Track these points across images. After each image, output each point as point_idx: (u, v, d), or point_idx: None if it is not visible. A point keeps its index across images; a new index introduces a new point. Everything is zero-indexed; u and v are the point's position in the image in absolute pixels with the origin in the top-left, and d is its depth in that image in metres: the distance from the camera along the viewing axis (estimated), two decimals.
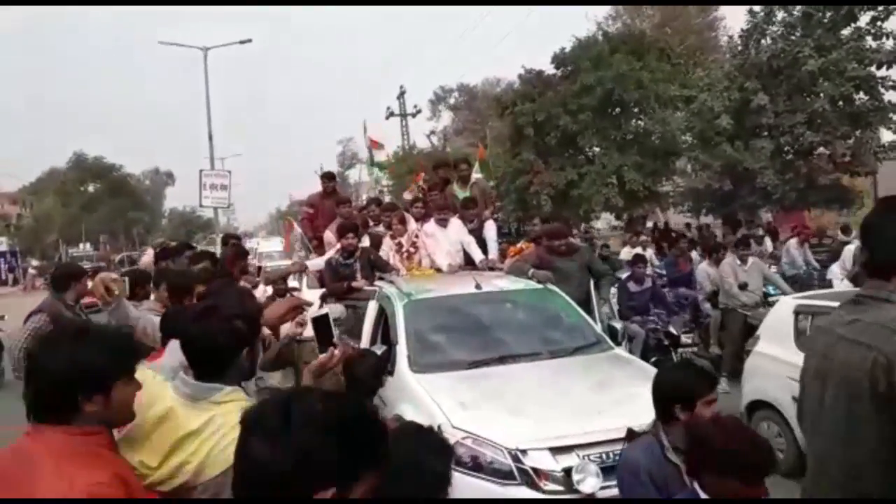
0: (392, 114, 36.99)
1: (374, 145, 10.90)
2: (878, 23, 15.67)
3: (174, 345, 2.23)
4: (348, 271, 6.19)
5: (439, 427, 3.56)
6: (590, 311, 5.64)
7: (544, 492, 3.44)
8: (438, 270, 6.54)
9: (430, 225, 6.86)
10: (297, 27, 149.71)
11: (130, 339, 1.88)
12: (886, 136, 17.00)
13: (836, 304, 4.88)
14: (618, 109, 20.45)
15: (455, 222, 6.85)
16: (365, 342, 5.34)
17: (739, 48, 18.41)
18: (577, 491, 3.39)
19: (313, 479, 1.17)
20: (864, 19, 15.96)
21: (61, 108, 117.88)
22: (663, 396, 2.56)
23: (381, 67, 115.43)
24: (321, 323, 2.71)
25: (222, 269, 5.04)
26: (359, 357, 3.51)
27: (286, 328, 4.86)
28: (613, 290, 7.50)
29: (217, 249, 10.01)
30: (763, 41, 17.46)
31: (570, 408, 3.91)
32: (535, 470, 3.47)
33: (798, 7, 16.82)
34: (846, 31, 16.27)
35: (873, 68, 15.78)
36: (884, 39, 15.64)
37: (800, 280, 10.12)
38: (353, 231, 6.32)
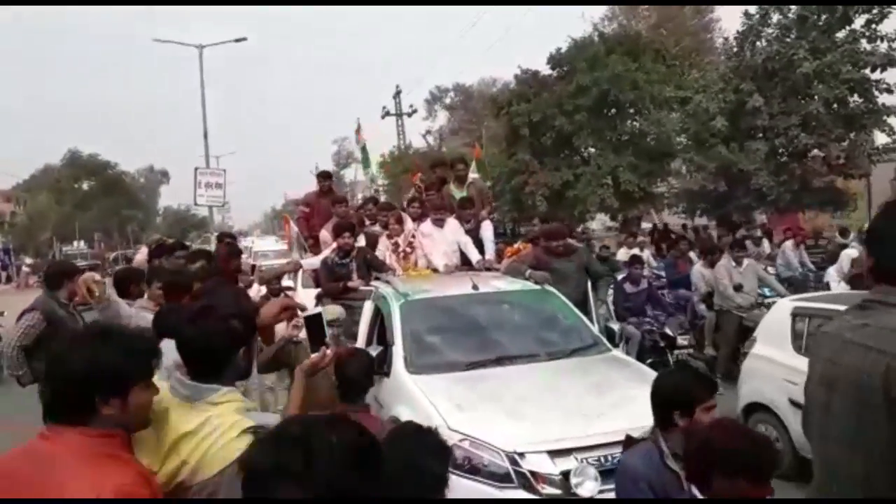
0: (388, 113, 36.89)
1: (359, 137, 10.81)
2: (873, 26, 15.72)
3: (168, 344, 2.21)
4: (344, 271, 6.15)
5: (436, 429, 3.55)
6: (587, 313, 5.61)
7: (542, 495, 3.42)
8: (435, 271, 6.51)
9: (427, 225, 6.83)
10: (292, 26, 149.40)
11: (151, 343, 1.86)
12: (880, 138, 17.06)
13: (833, 306, 4.93)
14: (613, 110, 20.49)
15: (452, 222, 6.83)
16: (360, 343, 5.31)
17: (735, 50, 18.44)
18: (575, 495, 3.36)
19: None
20: (858, 22, 16.02)
21: (56, 106, 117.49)
22: (661, 402, 2.54)
23: (377, 67, 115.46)
24: (314, 322, 2.71)
25: (216, 267, 5.00)
26: (350, 356, 3.48)
27: (281, 328, 4.83)
28: (610, 291, 7.49)
29: (212, 248, 9.95)
30: (758, 43, 17.50)
31: (569, 410, 3.88)
32: (533, 473, 3.44)
33: (793, 10, 16.86)
34: (841, 34, 16.32)
35: (867, 71, 15.83)
36: (878, 42, 15.69)
37: (795, 282, 10.13)
38: (349, 230, 6.28)
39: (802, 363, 4.95)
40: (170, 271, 4.41)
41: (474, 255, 6.62)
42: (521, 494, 3.43)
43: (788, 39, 16.83)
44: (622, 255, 11.30)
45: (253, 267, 11.52)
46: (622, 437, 2.75)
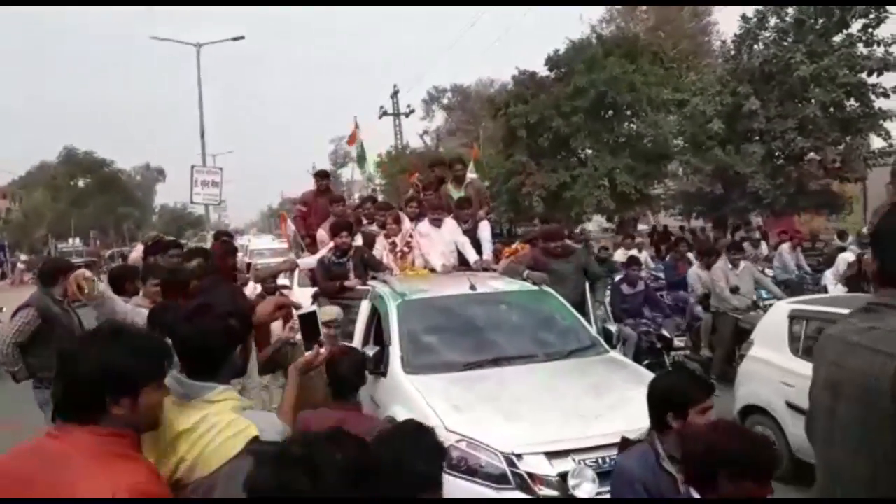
0: (385, 113, 36.84)
1: (351, 141, 10.78)
2: (870, 30, 15.76)
3: None
4: (341, 270, 6.13)
5: (433, 429, 3.54)
6: (585, 314, 5.61)
7: (539, 497, 3.40)
8: (432, 271, 6.50)
9: (425, 225, 6.82)
10: (291, 26, 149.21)
11: (164, 344, 1.85)
12: (876, 142, 17.10)
13: (831, 309, 4.92)
14: (610, 112, 20.51)
15: (449, 222, 6.81)
16: (357, 342, 5.29)
17: (732, 53, 18.48)
18: (572, 496, 3.35)
19: None
20: (855, 26, 16.05)
21: (53, 103, 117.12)
22: (656, 404, 2.52)
23: (374, 67, 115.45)
24: (308, 321, 2.72)
25: (213, 265, 4.98)
26: (342, 355, 3.47)
27: (276, 326, 4.82)
28: (608, 292, 7.49)
29: (209, 246, 9.91)
30: (755, 46, 17.53)
31: (566, 411, 3.87)
32: (530, 474, 3.43)
33: (790, 13, 16.90)
34: (838, 38, 16.37)
35: (864, 75, 15.88)
36: (875, 47, 15.74)
37: (791, 285, 10.15)
38: (346, 229, 6.26)
39: (799, 366, 5.02)
40: (167, 269, 4.38)
41: (472, 256, 6.61)
42: (518, 496, 3.42)
43: (785, 43, 16.87)
44: (619, 256, 11.30)
45: (248, 265, 11.49)
46: (620, 439, 2.74)
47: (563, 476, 3.39)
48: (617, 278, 8.53)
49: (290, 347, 3.65)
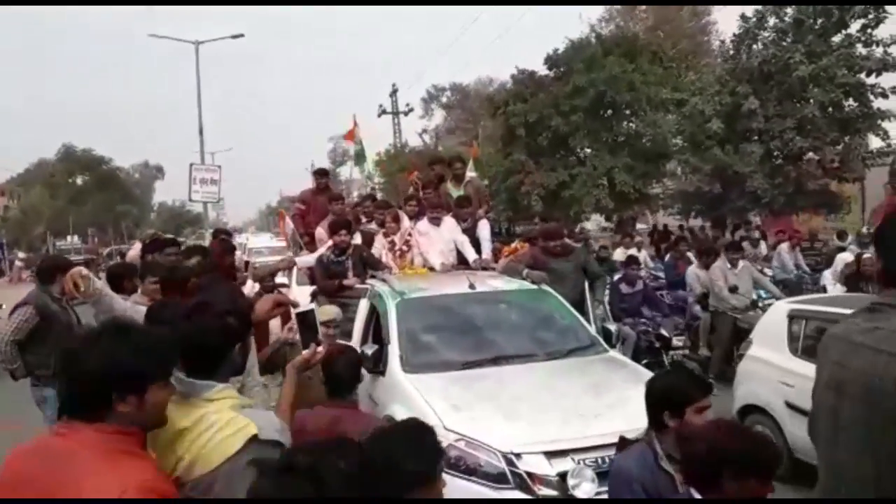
0: (384, 111, 36.82)
1: (350, 137, 10.74)
2: (869, 30, 15.78)
3: None
4: (340, 269, 6.12)
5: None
6: (584, 313, 5.60)
7: (538, 496, 3.39)
8: (431, 269, 6.49)
9: (424, 223, 6.81)
10: (290, 25, 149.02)
11: (171, 342, 1.84)
12: (875, 142, 17.12)
13: (830, 308, 4.92)
14: (609, 111, 20.48)
15: (449, 221, 6.80)
16: (356, 341, 5.28)
17: (731, 53, 18.48)
18: (572, 496, 3.34)
19: None
20: (854, 27, 16.07)
21: (51, 100, 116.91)
22: (653, 403, 2.52)
23: (374, 66, 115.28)
24: (306, 319, 2.73)
25: (212, 263, 4.97)
26: (337, 353, 3.47)
27: (275, 325, 4.79)
28: (607, 291, 7.49)
29: (207, 244, 9.90)
30: (755, 46, 17.54)
31: (566, 411, 3.86)
32: (529, 474, 3.42)
33: (789, 13, 16.90)
34: (837, 38, 16.38)
35: (863, 75, 15.89)
36: (873, 47, 15.76)
37: (790, 284, 10.15)
38: (345, 228, 6.25)
39: (799, 366, 5.02)
40: (167, 267, 4.37)
41: (471, 255, 6.61)
42: (518, 496, 3.41)
43: (785, 43, 16.88)
44: (619, 255, 11.30)
45: (246, 263, 11.49)
46: (618, 439, 2.73)
47: (563, 476, 3.39)
48: (615, 278, 8.53)
49: (288, 347, 3.64)
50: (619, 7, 31.86)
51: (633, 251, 11.36)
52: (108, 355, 1.58)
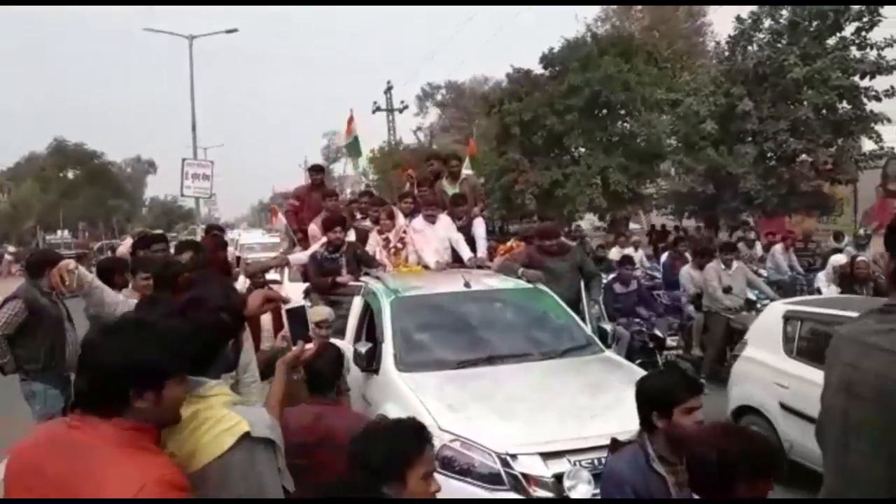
0: (378, 108, 36.75)
1: (348, 131, 10.70)
2: (863, 33, 15.82)
3: None
4: (333, 266, 6.08)
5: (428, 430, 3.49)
6: (580, 312, 5.58)
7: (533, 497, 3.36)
8: (426, 267, 6.45)
9: (419, 221, 6.77)
10: (285, 22, 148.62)
11: (188, 337, 1.82)
12: (868, 145, 17.17)
13: (825, 310, 4.91)
14: (604, 111, 20.52)
15: (444, 219, 6.77)
16: (349, 339, 5.25)
17: (726, 54, 18.49)
18: (567, 498, 3.31)
19: None
20: (848, 30, 16.11)
21: (42, 94, 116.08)
22: (641, 404, 2.49)
23: (368, 63, 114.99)
24: (296, 316, 2.74)
25: (205, 258, 4.93)
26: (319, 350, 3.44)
27: (266, 320, 4.75)
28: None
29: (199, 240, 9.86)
30: (749, 48, 17.56)
31: (562, 411, 3.83)
32: (525, 475, 3.38)
33: (785, 15, 16.93)
34: (831, 41, 16.41)
35: (857, 78, 15.93)
36: (868, 50, 15.79)
37: (784, 285, 10.17)
38: (339, 224, 6.20)
39: (794, 367, 5.01)
40: (160, 262, 4.34)
41: (466, 253, 6.57)
42: (512, 497, 3.38)
43: (779, 45, 16.90)
44: (615, 254, 11.29)
45: (238, 259, 11.44)
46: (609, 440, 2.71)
47: (559, 477, 3.35)
48: (609, 277, 8.52)
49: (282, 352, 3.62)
50: (615, 7, 31.89)
51: (629, 250, 11.36)
52: (127, 350, 1.56)
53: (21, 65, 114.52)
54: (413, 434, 2.02)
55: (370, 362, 4.59)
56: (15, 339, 5.10)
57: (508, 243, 7.26)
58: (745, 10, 17.74)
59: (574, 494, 3.29)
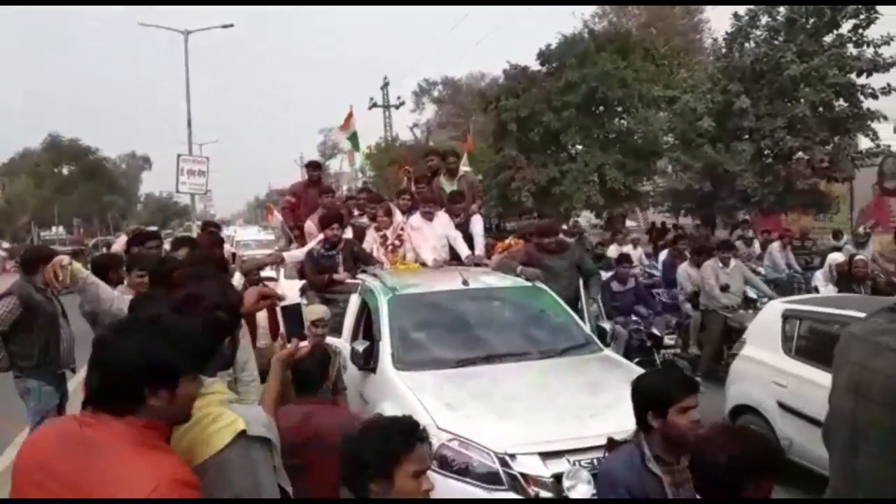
0: (375, 104, 36.66)
1: (346, 126, 10.65)
2: (860, 31, 15.83)
3: None
4: (330, 263, 6.05)
5: (424, 429, 3.46)
6: (578, 311, 5.56)
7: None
8: (423, 265, 6.42)
9: (416, 218, 6.74)
10: (280, 18, 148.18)
11: (201, 334, 1.82)
12: (864, 143, 17.19)
13: (825, 309, 4.89)
14: (601, 108, 20.47)
15: (442, 216, 6.74)
16: (346, 337, 5.22)
17: (723, 51, 18.48)
18: (567, 498, 3.29)
19: None
20: (845, 27, 16.11)
21: (37, 89, 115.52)
22: (637, 403, 2.47)
23: (364, 59, 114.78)
24: (292, 313, 2.75)
25: (201, 254, 4.89)
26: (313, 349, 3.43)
27: (261, 317, 4.70)
28: None
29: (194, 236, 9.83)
30: (747, 45, 17.54)
31: (561, 411, 3.81)
32: (524, 475, 3.36)
33: (782, 12, 16.93)
34: (828, 39, 16.42)
35: (853, 76, 15.94)
36: (864, 47, 15.80)
37: (781, 284, 10.16)
38: (337, 221, 6.17)
39: (792, 366, 5.00)
40: (157, 259, 4.31)
41: (464, 251, 6.55)
42: (511, 496, 3.35)
43: (776, 42, 16.90)
44: (613, 252, 11.27)
45: (233, 255, 11.40)
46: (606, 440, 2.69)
47: (558, 477, 3.33)
48: (607, 276, 8.50)
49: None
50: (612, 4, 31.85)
51: (628, 248, 11.35)
52: (141, 348, 1.55)
53: (15, 60, 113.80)
54: (403, 432, 2.01)
55: (367, 361, 4.56)
56: (9, 336, 5.08)
57: (507, 241, 7.24)
58: (742, 8, 17.76)
59: (573, 494, 3.26)
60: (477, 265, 6.29)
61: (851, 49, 16.03)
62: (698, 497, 2.08)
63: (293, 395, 3.28)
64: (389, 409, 3.86)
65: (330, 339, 4.66)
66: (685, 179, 18.84)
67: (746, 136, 17.23)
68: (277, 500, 2.00)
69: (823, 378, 4.35)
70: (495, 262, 6.27)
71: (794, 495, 4.33)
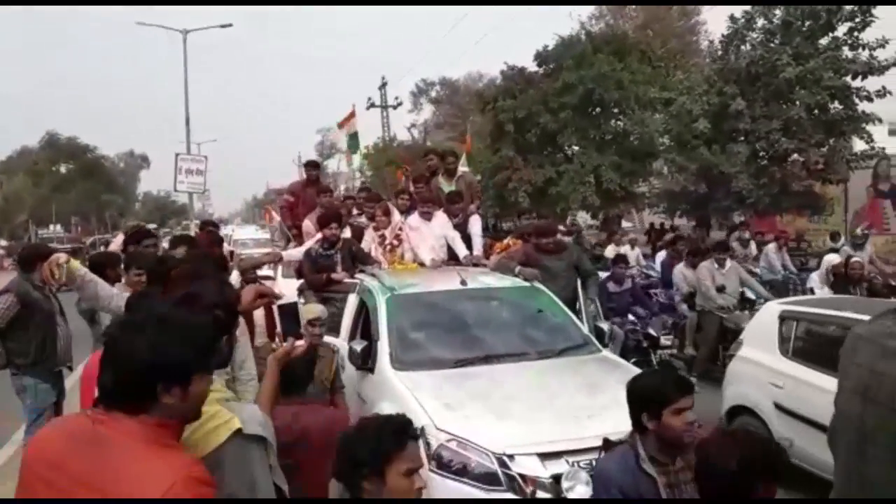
0: (373, 104, 36.59)
1: (346, 124, 10.65)
2: (855, 34, 15.88)
3: None
4: (328, 262, 6.04)
5: (422, 429, 3.47)
6: (576, 311, 5.56)
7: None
8: (421, 265, 6.42)
9: (414, 218, 6.74)
10: (279, 17, 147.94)
11: (211, 331, 1.81)
12: (859, 145, 17.24)
13: (822, 310, 4.90)
14: (598, 109, 20.50)
15: (440, 216, 6.74)
16: (344, 337, 5.22)
17: (719, 53, 18.53)
18: (562, 498, 3.29)
19: None
20: (841, 30, 16.17)
21: (35, 87, 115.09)
22: (631, 404, 2.48)
23: (362, 59, 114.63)
24: (288, 313, 2.75)
25: (200, 253, 4.88)
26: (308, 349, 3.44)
27: (258, 315, 4.70)
28: None
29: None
30: (743, 47, 17.58)
31: (560, 411, 3.80)
32: (523, 476, 3.35)
33: (778, 15, 16.97)
34: (824, 41, 16.46)
35: (848, 78, 15.99)
36: (859, 50, 15.85)
37: (777, 285, 10.20)
38: (335, 221, 6.17)
39: (789, 367, 5.01)
40: (155, 258, 4.30)
41: (462, 251, 6.55)
42: (510, 497, 3.35)
43: (772, 44, 16.94)
44: (610, 252, 11.30)
45: (231, 253, 11.39)
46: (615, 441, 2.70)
47: (557, 478, 3.32)
48: (603, 276, 8.52)
49: None
50: (609, 5, 31.90)
51: (625, 248, 11.37)
52: (155, 346, 1.55)
53: (13, 58, 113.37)
54: (394, 430, 2.02)
55: (365, 361, 4.56)
56: (6, 333, 5.08)
57: (505, 241, 7.24)
58: (738, 10, 17.79)
59: (572, 495, 3.25)
60: (475, 265, 6.30)
61: (847, 52, 16.09)
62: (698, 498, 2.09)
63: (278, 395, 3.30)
64: (388, 409, 3.86)
65: (328, 339, 4.66)
66: (681, 181, 18.87)
67: (742, 138, 17.27)
68: (273, 499, 2.01)
69: (820, 380, 4.38)
70: (493, 263, 6.28)
71: (789, 496, 4.34)
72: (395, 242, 6.57)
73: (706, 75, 18.40)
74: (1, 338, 5.07)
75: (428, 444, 3.49)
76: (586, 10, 32.10)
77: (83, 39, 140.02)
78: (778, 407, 4.86)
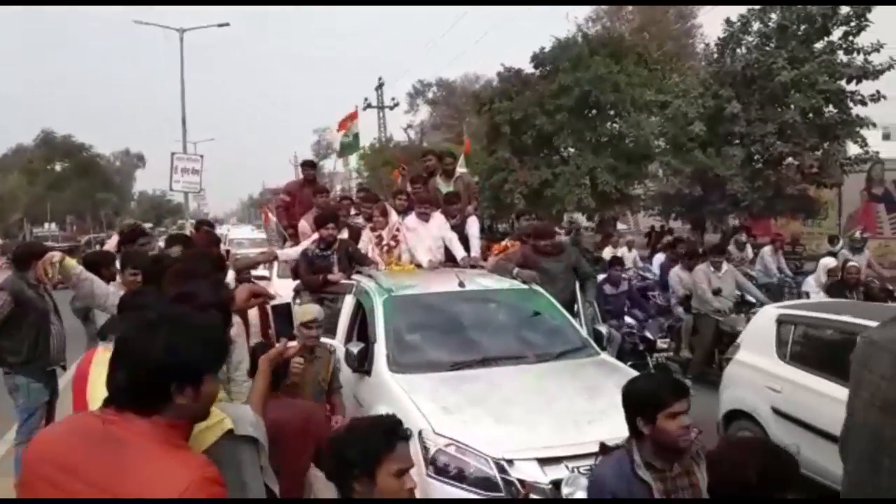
0: (370, 105, 36.57)
1: (346, 124, 10.58)
2: (850, 38, 15.93)
3: None
4: (325, 263, 6.01)
5: (419, 433, 3.44)
6: (574, 314, 5.54)
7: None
8: (418, 266, 6.39)
9: (412, 219, 6.71)
10: (277, 17, 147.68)
11: (221, 331, 1.83)
12: (853, 149, 17.29)
13: (819, 314, 4.88)
14: (594, 112, 20.54)
15: (437, 217, 6.71)
16: (340, 339, 5.19)
17: (715, 56, 18.54)
18: (555, 499, 3.25)
19: None
20: (836, 34, 16.22)
21: (31, 85, 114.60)
22: (627, 408, 2.46)
23: (359, 60, 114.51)
24: (281, 313, 2.75)
25: (198, 251, 4.85)
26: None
27: (252, 315, 4.65)
28: None
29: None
30: (738, 51, 17.60)
31: (559, 415, 3.77)
32: (522, 481, 3.31)
33: (773, 19, 17.01)
34: (819, 45, 16.50)
35: (843, 82, 16.03)
36: (854, 54, 15.90)
37: (772, 288, 10.21)
38: (332, 221, 6.13)
39: (787, 371, 4.99)
40: (151, 257, 4.27)
41: (459, 252, 6.52)
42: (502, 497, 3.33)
43: (768, 48, 16.96)
44: (607, 254, 11.30)
45: (227, 252, 11.35)
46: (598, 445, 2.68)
47: (556, 483, 3.29)
48: (600, 279, 8.50)
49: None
50: (605, 7, 31.96)
51: (622, 250, 11.36)
52: (169, 346, 1.54)
53: (12, 57, 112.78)
54: (384, 431, 2.01)
55: (362, 363, 4.52)
56: (1, 331, 5.03)
57: (503, 243, 7.22)
58: (734, 13, 17.83)
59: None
60: (473, 267, 6.27)
61: (842, 56, 16.12)
62: None
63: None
64: (384, 412, 3.83)
65: (325, 339, 4.62)
66: (676, 183, 18.89)
67: (737, 142, 17.29)
68: (264, 499, 2.00)
69: (818, 384, 4.38)
70: (491, 265, 6.25)
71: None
72: (393, 243, 6.54)
73: (702, 78, 18.42)
74: None
75: (426, 449, 3.46)
76: (583, 13, 32.21)
77: (82, 39, 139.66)
78: (776, 411, 4.85)
